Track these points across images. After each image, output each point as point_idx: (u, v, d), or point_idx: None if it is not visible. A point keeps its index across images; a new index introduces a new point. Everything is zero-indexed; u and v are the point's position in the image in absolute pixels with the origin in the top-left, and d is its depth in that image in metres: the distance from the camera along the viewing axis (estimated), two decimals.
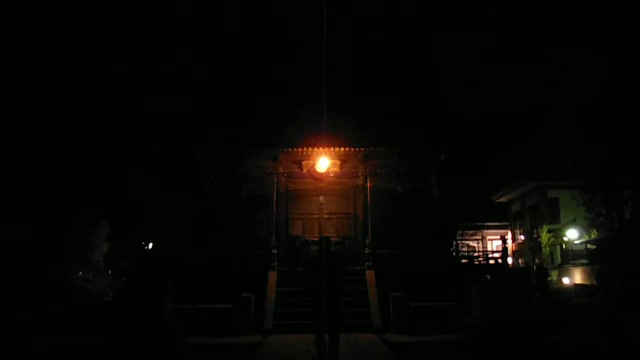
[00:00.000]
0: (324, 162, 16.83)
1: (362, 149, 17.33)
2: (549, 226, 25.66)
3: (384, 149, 17.47)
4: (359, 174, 17.71)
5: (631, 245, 16.12)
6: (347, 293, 11.70)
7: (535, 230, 27.79)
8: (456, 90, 23.39)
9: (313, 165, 17.18)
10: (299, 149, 17.10)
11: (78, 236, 17.56)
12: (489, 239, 34.45)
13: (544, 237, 25.42)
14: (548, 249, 25.24)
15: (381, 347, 10.00)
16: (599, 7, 16.93)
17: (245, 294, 12.05)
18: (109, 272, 18.92)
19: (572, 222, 23.52)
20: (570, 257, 22.73)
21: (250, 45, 21.83)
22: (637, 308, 9.80)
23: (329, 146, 16.55)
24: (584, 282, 18.67)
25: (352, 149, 17.17)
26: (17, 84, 16.65)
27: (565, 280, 20.65)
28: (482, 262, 19.29)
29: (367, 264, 14.97)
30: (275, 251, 15.24)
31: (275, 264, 14.88)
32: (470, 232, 30.28)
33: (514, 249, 30.87)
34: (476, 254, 24.91)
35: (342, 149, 17.02)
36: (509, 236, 30.92)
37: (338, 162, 17.45)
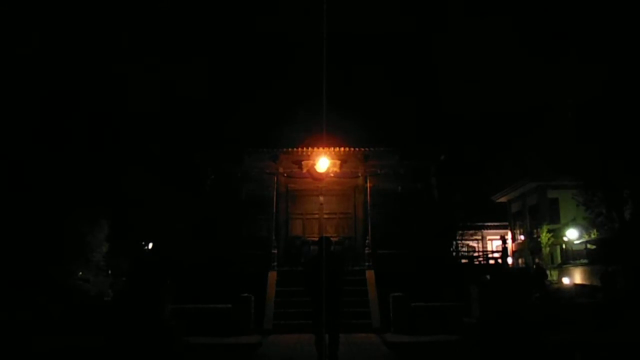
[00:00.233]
0: (323, 162, 16.86)
1: (362, 149, 17.34)
2: (548, 226, 25.68)
3: (384, 149, 17.47)
4: (359, 174, 17.72)
5: (631, 245, 16.13)
6: (347, 293, 11.73)
7: (535, 230, 27.81)
8: (456, 90, 23.37)
9: (313, 165, 17.20)
10: (299, 149, 17.10)
11: (78, 236, 17.54)
12: (489, 239, 34.47)
13: (544, 237, 25.44)
14: (548, 249, 25.26)
15: (381, 347, 10.01)
16: (599, 7, 16.93)
17: (245, 294, 12.06)
18: (109, 272, 18.91)
19: (572, 222, 23.54)
20: (570, 257, 22.74)
21: (250, 45, 21.82)
22: (638, 307, 9.81)
23: (328, 146, 16.57)
24: (584, 282, 18.68)
25: (352, 149, 17.18)
26: (17, 83, 16.64)
27: (565, 280, 20.66)
28: (482, 262, 19.29)
29: (367, 264, 14.98)
30: (275, 251, 15.25)
31: (275, 264, 14.89)
32: (470, 232, 30.27)
33: (513, 249, 30.88)
34: (476, 254, 24.90)
35: (342, 149, 17.03)
36: (508, 236, 30.94)
37: (338, 162, 17.47)
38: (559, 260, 24.22)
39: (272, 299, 13.34)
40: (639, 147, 16.52)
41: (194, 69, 20.48)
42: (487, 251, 27.27)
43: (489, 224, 34.10)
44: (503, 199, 32.40)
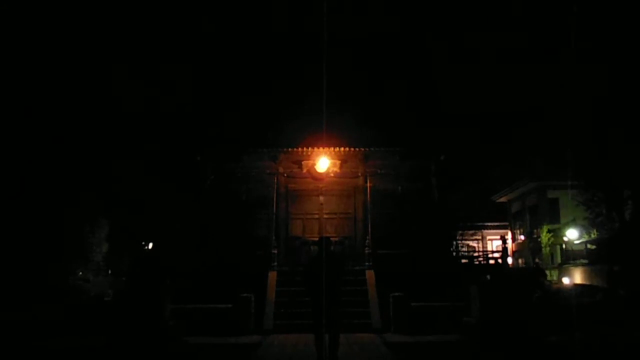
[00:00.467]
0: (324, 162, 16.86)
1: (362, 149, 17.32)
2: (548, 226, 25.68)
3: (384, 149, 17.46)
4: (359, 174, 17.71)
5: (631, 245, 16.13)
6: (347, 293, 11.73)
7: (535, 230, 27.81)
8: (456, 89, 23.38)
9: (313, 165, 17.21)
10: (299, 149, 17.10)
11: (77, 236, 17.56)
12: (489, 239, 34.46)
13: (544, 237, 25.44)
14: (548, 249, 25.27)
15: (381, 347, 9.99)
16: (599, 7, 16.92)
17: (245, 294, 12.05)
18: (109, 272, 18.93)
19: (572, 222, 23.53)
20: (570, 257, 22.73)
21: (250, 45, 21.81)
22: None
23: (329, 146, 16.56)
24: (584, 282, 18.67)
25: (352, 149, 17.17)
26: (17, 83, 16.64)
27: (565, 280, 20.65)
28: (482, 262, 19.26)
29: (367, 264, 14.96)
30: (275, 251, 15.23)
31: (275, 264, 14.87)
32: (470, 232, 30.22)
33: (514, 249, 30.88)
34: (476, 254, 24.89)
35: (342, 149, 17.02)
36: (509, 236, 30.93)
37: (338, 162, 17.46)
38: (559, 260, 24.21)
39: (272, 299, 13.33)
40: (639, 147, 16.51)
41: (193, 69, 20.48)
42: (487, 251, 27.25)
43: (489, 224, 34.09)
44: (503, 199, 32.40)
